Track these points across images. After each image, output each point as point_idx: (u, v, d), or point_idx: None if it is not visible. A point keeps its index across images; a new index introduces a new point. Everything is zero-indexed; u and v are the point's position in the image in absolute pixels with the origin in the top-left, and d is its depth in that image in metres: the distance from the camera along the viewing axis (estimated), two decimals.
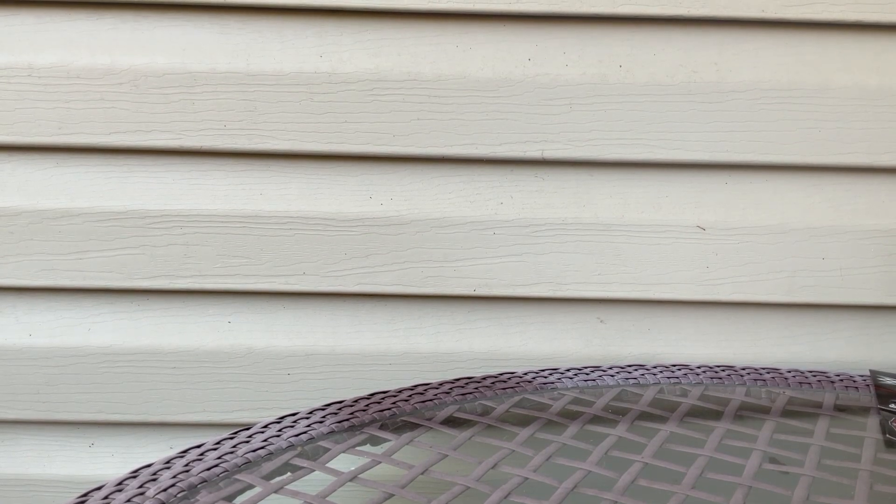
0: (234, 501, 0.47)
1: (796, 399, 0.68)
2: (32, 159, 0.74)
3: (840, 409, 0.66)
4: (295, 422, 0.58)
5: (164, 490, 0.47)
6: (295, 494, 0.48)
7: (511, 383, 0.68)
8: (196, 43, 0.72)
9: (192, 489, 0.48)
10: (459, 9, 0.72)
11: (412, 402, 0.63)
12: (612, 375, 0.71)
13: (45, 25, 0.72)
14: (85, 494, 0.46)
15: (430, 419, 0.61)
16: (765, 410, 0.65)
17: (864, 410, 0.65)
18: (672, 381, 0.71)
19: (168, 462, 0.51)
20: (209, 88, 0.73)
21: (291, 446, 0.55)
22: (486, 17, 0.73)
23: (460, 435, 0.58)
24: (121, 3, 0.72)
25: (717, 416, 0.63)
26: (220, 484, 0.49)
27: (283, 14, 0.72)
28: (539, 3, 0.72)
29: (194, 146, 0.74)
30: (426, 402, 0.63)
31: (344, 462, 0.53)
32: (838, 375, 0.73)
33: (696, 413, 0.64)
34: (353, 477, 0.51)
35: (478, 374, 0.76)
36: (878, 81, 0.74)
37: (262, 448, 0.54)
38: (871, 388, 0.70)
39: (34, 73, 0.72)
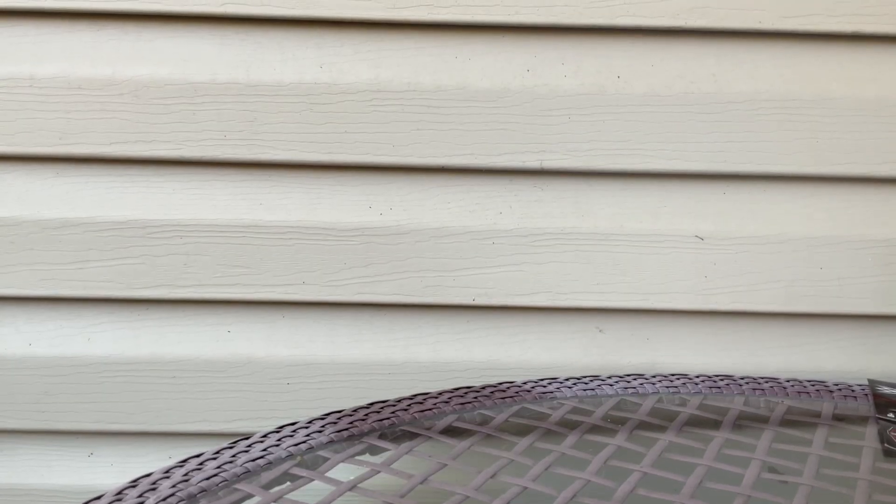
0: None
1: (795, 408, 0.68)
2: (33, 169, 0.75)
3: (838, 418, 0.66)
4: (294, 431, 0.58)
5: (164, 500, 0.47)
6: None
7: (510, 393, 0.68)
8: (197, 54, 0.73)
9: (192, 499, 0.48)
10: (459, 20, 0.72)
11: (411, 411, 0.63)
12: (611, 385, 0.72)
13: (46, 36, 0.72)
14: None
15: (429, 429, 0.61)
16: (763, 420, 0.65)
17: (863, 420, 0.66)
18: (671, 390, 0.71)
19: (167, 472, 0.51)
20: (210, 99, 0.73)
21: (291, 456, 0.55)
22: (485, 28, 0.73)
23: (459, 444, 0.58)
24: (122, 15, 0.72)
25: (715, 425, 0.63)
26: (220, 493, 0.49)
27: (283, 25, 0.73)
28: (538, 14, 0.72)
29: (195, 156, 0.74)
30: (425, 412, 0.63)
31: (343, 472, 0.53)
32: (836, 385, 0.73)
33: (694, 422, 0.64)
34: (353, 486, 0.51)
35: (477, 383, 0.76)
36: (875, 92, 0.75)
37: (262, 458, 0.54)
38: (870, 398, 0.70)
39: (35, 83, 0.72)
